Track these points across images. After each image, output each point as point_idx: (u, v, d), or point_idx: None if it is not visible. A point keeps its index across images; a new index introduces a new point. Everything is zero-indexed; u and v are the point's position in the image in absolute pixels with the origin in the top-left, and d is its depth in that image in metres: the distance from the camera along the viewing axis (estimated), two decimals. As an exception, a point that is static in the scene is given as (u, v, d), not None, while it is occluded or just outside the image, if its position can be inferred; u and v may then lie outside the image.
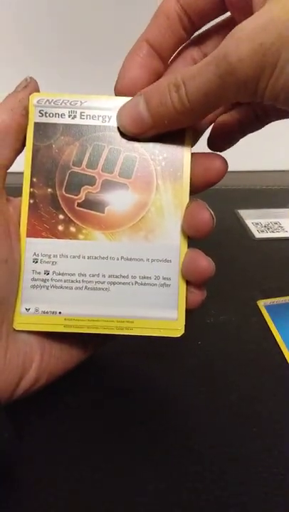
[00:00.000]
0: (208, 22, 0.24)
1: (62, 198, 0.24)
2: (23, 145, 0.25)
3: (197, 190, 0.25)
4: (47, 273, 0.24)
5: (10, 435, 0.22)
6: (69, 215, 0.24)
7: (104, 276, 0.24)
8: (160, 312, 0.25)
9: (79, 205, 0.24)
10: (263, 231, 0.48)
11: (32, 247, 0.24)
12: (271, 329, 0.34)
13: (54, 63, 0.55)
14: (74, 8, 0.55)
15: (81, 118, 0.24)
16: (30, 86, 0.24)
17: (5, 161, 0.24)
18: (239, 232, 0.48)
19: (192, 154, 0.25)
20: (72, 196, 0.24)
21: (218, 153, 0.24)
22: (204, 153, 0.25)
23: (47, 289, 0.24)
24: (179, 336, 0.25)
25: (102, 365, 0.30)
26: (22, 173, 0.25)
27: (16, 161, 0.25)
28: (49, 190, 0.24)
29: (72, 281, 0.24)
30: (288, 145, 0.65)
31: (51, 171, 0.24)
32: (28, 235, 0.24)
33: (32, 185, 0.24)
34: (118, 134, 0.24)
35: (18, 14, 0.55)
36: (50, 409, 0.27)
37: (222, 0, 0.23)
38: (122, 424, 0.26)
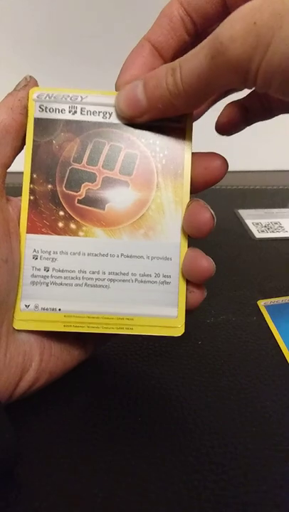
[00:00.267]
0: (212, 25, 0.24)
1: (63, 194, 0.24)
2: (23, 144, 0.25)
3: (197, 189, 0.25)
4: (47, 270, 0.24)
5: (10, 435, 0.22)
6: (69, 211, 0.24)
7: (104, 273, 0.24)
8: (160, 310, 0.25)
9: (79, 201, 0.24)
10: (263, 231, 0.48)
11: (32, 243, 0.24)
12: (271, 329, 0.34)
13: (53, 65, 0.55)
14: (73, 10, 0.55)
15: (82, 114, 0.24)
16: (30, 85, 0.24)
17: (5, 159, 0.24)
18: (239, 232, 0.48)
19: (192, 154, 0.25)
20: (73, 193, 0.24)
21: (218, 152, 0.24)
22: (204, 152, 0.25)
23: (47, 285, 0.24)
24: (179, 335, 0.25)
25: (102, 365, 0.30)
26: (22, 173, 0.25)
27: (15, 161, 0.25)
28: (49, 186, 0.24)
29: (72, 278, 0.24)
30: (288, 145, 0.65)
31: (51, 168, 0.24)
32: (28, 232, 0.24)
33: (32, 181, 0.24)
34: (119, 130, 0.24)
35: (16, 15, 0.55)
36: (50, 409, 0.27)
37: (225, 3, 0.23)
38: (122, 424, 0.26)
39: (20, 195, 0.25)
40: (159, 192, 0.25)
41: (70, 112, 0.24)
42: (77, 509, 0.22)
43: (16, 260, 0.24)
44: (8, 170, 0.24)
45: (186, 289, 0.25)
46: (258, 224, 0.49)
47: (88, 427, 0.26)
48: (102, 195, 0.24)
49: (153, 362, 0.31)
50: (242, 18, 0.18)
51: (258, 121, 0.27)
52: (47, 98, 0.24)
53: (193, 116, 0.25)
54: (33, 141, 0.24)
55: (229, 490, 0.23)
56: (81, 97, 0.24)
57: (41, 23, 0.55)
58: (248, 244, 0.46)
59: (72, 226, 0.24)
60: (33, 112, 0.24)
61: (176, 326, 0.25)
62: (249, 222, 0.50)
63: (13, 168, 0.25)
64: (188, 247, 0.25)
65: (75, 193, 0.24)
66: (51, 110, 0.24)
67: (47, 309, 0.25)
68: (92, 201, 0.25)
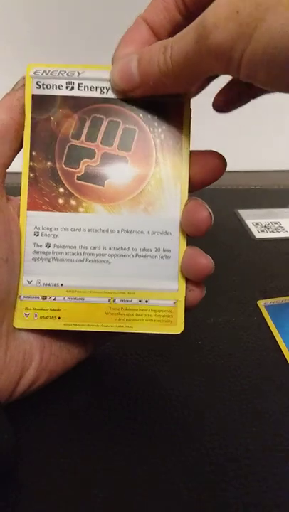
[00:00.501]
0: (204, 6, 0.24)
1: (62, 171, 0.24)
2: (22, 143, 0.24)
3: (196, 187, 0.25)
4: (48, 246, 0.24)
5: (9, 436, 0.22)
6: (69, 188, 0.24)
7: (104, 248, 0.25)
8: (161, 283, 0.25)
9: (79, 178, 0.25)
10: (263, 231, 0.48)
11: (33, 220, 0.25)
12: (271, 329, 0.34)
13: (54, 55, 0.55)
14: (72, 9, 0.55)
15: (79, 89, 0.24)
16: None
17: (4, 159, 0.24)
18: (239, 232, 0.48)
19: (191, 152, 0.25)
20: (72, 169, 0.24)
21: (216, 151, 0.24)
22: (202, 150, 0.25)
23: (48, 261, 0.25)
24: (178, 332, 0.25)
25: (102, 364, 0.30)
26: (21, 173, 0.25)
27: (14, 161, 0.25)
28: (49, 163, 0.24)
29: (73, 254, 0.25)
30: (288, 145, 0.65)
31: (50, 145, 0.24)
32: (29, 209, 0.25)
33: (31, 158, 0.24)
34: (117, 105, 0.24)
35: (15, 15, 0.55)
36: (49, 408, 0.27)
37: None
38: (122, 424, 0.26)
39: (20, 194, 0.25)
40: (158, 167, 0.25)
41: (67, 87, 0.24)
42: (77, 509, 0.22)
43: (16, 259, 0.24)
44: (8, 170, 0.24)
45: (186, 287, 0.25)
46: (258, 224, 0.49)
47: (88, 427, 0.26)
48: (101, 171, 0.24)
49: (153, 362, 0.31)
50: (226, 5, 0.18)
51: (264, 94, 0.26)
52: (44, 74, 0.24)
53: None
54: (32, 118, 0.24)
55: (229, 491, 0.23)
56: (78, 72, 0.24)
57: (39, 22, 0.55)
58: (248, 244, 0.46)
59: (72, 202, 0.25)
60: (31, 89, 0.24)
61: (177, 299, 0.25)
62: (249, 222, 0.50)
63: (13, 168, 0.25)
64: (188, 245, 0.25)
65: (74, 170, 0.24)
66: (48, 86, 0.24)
67: (49, 285, 0.25)
68: (91, 177, 0.25)
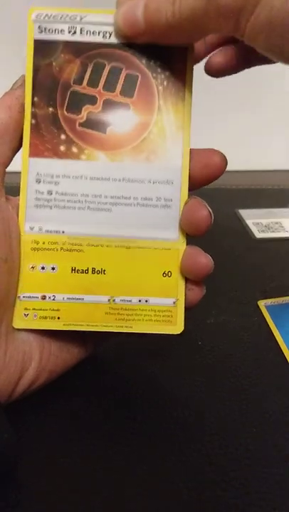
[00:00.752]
0: None
1: (64, 117, 0.24)
2: (21, 143, 0.24)
3: (196, 186, 0.25)
4: (50, 193, 0.24)
5: (9, 436, 0.22)
6: (70, 135, 0.24)
7: (106, 197, 0.25)
8: (161, 233, 0.25)
9: (80, 125, 0.24)
10: (263, 231, 0.48)
11: (35, 167, 0.25)
12: (271, 329, 0.34)
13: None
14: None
15: (81, 34, 0.24)
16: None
17: (4, 159, 0.24)
18: (239, 232, 0.48)
19: (191, 150, 0.25)
20: (74, 116, 0.24)
21: (217, 149, 0.24)
22: (203, 149, 0.25)
23: (50, 208, 0.25)
24: (178, 332, 0.25)
25: (102, 364, 0.30)
26: (20, 173, 0.25)
27: (14, 161, 0.25)
28: (50, 109, 0.24)
29: (74, 202, 0.25)
30: (288, 145, 0.65)
31: (52, 90, 0.24)
32: (31, 155, 0.24)
33: (33, 104, 0.24)
34: (119, 50, 0.24)
35: (15, 14, 0.55)
36: (49, 408, 0.27)
37: None
38: (122, 424, 0.26)
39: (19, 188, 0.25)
40: (160, 115, 0.24)
41: (69, 32, 0.24)
42: (77, 509, 0.22)
43: (16, 259, 0.24)
44: (8, 169, 0.24)
45: (185, 287, 0.25)
46: (258, 224, 0.49)
47: (88, 426, 0.26)
48: (103, 118, 0.24)
49: (153, 362, 0.31)
50: None
51: (260, 64, 0.26)
52: (46, 18, 0.24)
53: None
54: (33, 63, 0.24)
55: (230, 491, 0.23)
56: (80, 16, 0.24)
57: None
58: (249, 244, 0.46)
59: (74, 149, 0.24)
60: (33, 34, 0.24)
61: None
62: (249, 222, 0.50)
63: (13, 167, 0.25)
64: (188, 245, 0.25)
65: (76, 116, 0.24)
66: (50, 31, 0.24)
67: (51, 231, 0.25)
68: (93, 124, 0.24)
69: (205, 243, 0.25)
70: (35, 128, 0.24)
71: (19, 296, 0.25)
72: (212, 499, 0.23)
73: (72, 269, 0.25)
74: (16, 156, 0.25)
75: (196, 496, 0.23)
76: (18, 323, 0.25)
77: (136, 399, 0.28)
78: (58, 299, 0.25)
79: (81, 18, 0.24)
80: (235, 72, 0.27)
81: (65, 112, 0.24)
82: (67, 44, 0.24)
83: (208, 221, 0.24)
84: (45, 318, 0.25)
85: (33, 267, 0.25)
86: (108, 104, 0.24)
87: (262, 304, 0.37)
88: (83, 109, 0.24)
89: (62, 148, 0.24)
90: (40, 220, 0.25)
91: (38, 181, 0.25)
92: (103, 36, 0.24)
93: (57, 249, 0.25)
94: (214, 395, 0.28)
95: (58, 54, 0.24)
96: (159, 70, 0.24)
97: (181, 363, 0.31)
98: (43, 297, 0.25)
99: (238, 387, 0.29)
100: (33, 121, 0.24)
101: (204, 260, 0.24)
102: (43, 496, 0.23)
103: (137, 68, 0.24)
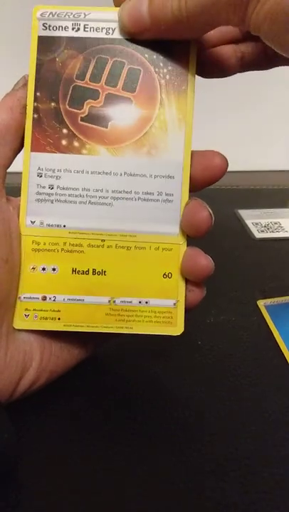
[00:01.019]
0: None
1: (66, 112, 0.24)
2: (22, 144, 0.24)
3: (197, 188, 0.25)
4: (51, 187, 0.25)
5: (10, 435, 0.22)
6: (72, 129, 0.24)
7: (107, 191, 0.25)
8: (162, 227, 0.25)
9: (82, 119, 0.24)
10: (263, 231, 0.48)
11: (36, 161, 0.25)
12: (271, 329, 0.34)
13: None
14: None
15: (85, 30, 0.24)
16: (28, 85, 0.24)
17: (4, 160, 0.24)
18: (239, 232, 0.48)
19: (192, 152, 0.25)
20: (76, 110, 0.24)
21: (217, 151, 0.24)
22: (203, 151, 0.25)
23: (52, 202, 0.25)
24: (178, 334, 0.25)
25: (102, 364, 0.30)
26: (21, 173, 0.25)
27: (15, 161, 0.25)
28: (52, 104, 0.24)
29: (76, 196, 0.25)
30: (288, 145, 0.65)
31: (55, 85, 0.24)
32: (33, 150, 0.25)
33: (36, 99, 0.24)
34: (122, 46, 0.24)
35: (16, 15, 0.55)
36: (50, 409, 0.27)
37: None
38: (122, 424, 0.26)
39: (20, 195, 0.25)
40: (162, 109, 0.24)
41: (73, 29, 0.24)
42: (77, 509, 0.22)
43: (17, 260, 0.24)
44: (8, 170, 0.24)
45: (186, 288, 0.25)
46: (257, 224, 0.49)
47: (88, 427, 0.26)
48: (105, 112, 0.24)
49: (153, 362, 0.31)
50: None
51: (254, 69, 0.26)
52: (50, 16, 0.24)
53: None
54: (37, 59, 0.24)
55: (230, 490, 0.23)
56: (84, 13, 0.24)
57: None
58: (248, 244, 0.46)
59: (76, 144, 0.24)
60: (37, 31, 0.24)
61: (178, 246, 0.25)
62: (249, 222, 0.50)
63: (13, 168, 0.25)
64: (188, 246, 0.25)
65: (78, 111, 0.24)
66: (54, 28, 0.24)
67: (52, 225, 0.25)
68: (95, 119, 0.24)
69: (205, 243, 0.25)
70: (37, 122, 0.24)
71: (20, 297, 0.25)
72: (212, 499, 0.23)
73: (72, 270, 0.25)
74: (16, 157, 0.25)
75: (196, 496, 0.23)
76: (19, 323, 0.25)
77: (136, 399, 0.28)
78: (58, 299, 0.25)
79: (85, 16, 0.24)
80: (236, 73, 0.27)
81: (67, 107, 0.24)
82: (71, 40, 0.24)
83: (209, 222, 0.24)
84: (46, 318, 0.25)
85: (33, 268, 0.25)
86: (110, 99, 0.24)
87: (261, 303, 0.37)
88: (85, 103, 0.24)
89: (63, 142, 0.24)
90: (41, 214, 0.25)
91: (40, 175, 0.25)
92: (106, 32, 0.24)
93: (58, 250, 0.25)
94: (214, 395, 0.28)
95: (62, 50, 0.24)
96: (161, 64, 0.24)
97: (180, 363, 0.31)
98: (44, 298, 0.25)
99: (238, 386, 0.29)
100: (35, 116, 0.24)
101: (205, 261, 0.24)
102: (43, 495, 0.23)
103: (139, 63, 0.24)
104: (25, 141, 0.24)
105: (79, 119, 0.24)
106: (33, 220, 0.25)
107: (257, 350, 0.32)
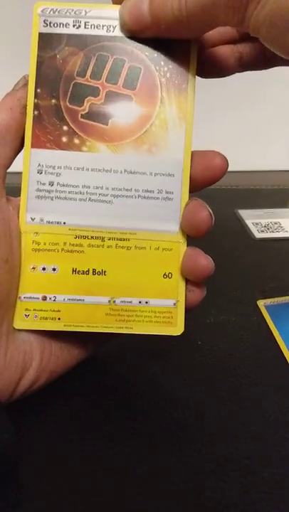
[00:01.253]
0: None
1: (66, 109, 0.24)
2: (22, 144, 0.24)
3: (197, 188, 0.25)
4: (51, 184, 0.25)
5: (10, 435, 0.22)
6: (73, 126, 0.24)
7: (107, 188, 0.25)
8: (162, 225, 0.25)
9: (82, 116, 0.24)
10: (263, 231, 0.48)
11: (37, 158, 0.25)
12: (271, 329, 0.34)
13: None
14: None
15: (85, 28, 0.24)
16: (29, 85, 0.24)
17: (4, 160, 0.24)
18: (239, 232, 0.48)
19: (192, 152, 0.25)
20: (76, 107, 0.24)
21: (217, 151, 0.24)
22: (204, 151, 0.25)
23: (52, 199, 0.25)
24: (178, 334, 0.25)
25: (102, 364, 0.30)
26: (21, 173, 0.25)
27: (15, 161, 0.25)
28: (53, 101, 0.24)
29: (76, 193, 0.25)
30: (288, 145, 0.65)
31: (55, 82, 0.24)
32: (33, 146, 0.25)
33: (36, 96, 0.24)
34: (123, 43, 0.24)
35: (17, 15, 0.55)
36: (50, 409, 0.27)
37: None
38: (122, 424, 0.26)
39: (20, 194, 0.25)
40: (162, 107, 0.24)
41: (74, 26, 0.24)
42: (77, 509, 0.22)
43: (17, 260, 0.24)
44: (8, 170, 0.24)
45: (186, 288, 0.25)
46: (257, 224, 0.49)
47: (88, 427, 0.26)
48: (105, 109, 0.24)
49: (153, 362, 0.31)
50: None
51: (253, 69, 0.26)
52: (51, 13, 0.24)
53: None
54: (38, 56, 0.24)
55: (230, 490, 0.23)
56: (85, 11, 0.24)
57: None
58: (248, 244, 0.46)
59: (76, 141, 0.24)
60: (38, 27, 0.24)
61: (177, 243, 0.25)
62: (249, 222, 0.50)
63: (13, 168, 0.25)
64: (188, 246, 0.25)
65: (78, 108, 0.24)
66: (55, 25, 0.24)
67: (52, 222, 0.25)
68: (95, 116, 0.24)
69: (204, 243, 0.25)
70: (37, 119, 0.24)
71: (20, 297, 0.25)
72: (212, 499, 0.23)
73: (73, 270, 0.25)
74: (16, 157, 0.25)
75: (196, 496, 0.23)
76: (19, 323, 0.25)
77: (136, 399, 0.28)
78: (58, 299, 0.25)
79: (86, 13, 0.24)
80: (234, 73, 0.27)
81: (68, 104, 0.24)
82: (72, 37, 0.24)
83: (209, 222, 0.24)
84: (46, 318, 0.25)
85: (34, 268, 0.25)
86: (110, 96, 0.24)
87: (261, 303, 0.37)
88: (86, 100, 0.24)
89: (64, 139, 0.24)
90: (41, 211, 0.25)
91: (40, 172, 0.25)
92: (107, 30, 0.24)
93: (58, 250, 0.25)
94: (214, 395, 0.29)
95: (62, 47, 0.24)
96: (162, 62, 0.24)
97: (180, 363, 0.31)
98: (44, 298, 0.25)
99: (238, 386, 0.29)
100: (36, 113, 0.24)
101: (205, 262, 0.24)
102: (43, 495, 0.23)
103: (139, 61, 0.24)
104: (25, 138, 0.24)
105: (79, 116, 0.24)
106: (33, 217, 0.25)
107: (257, 350, 0.32)
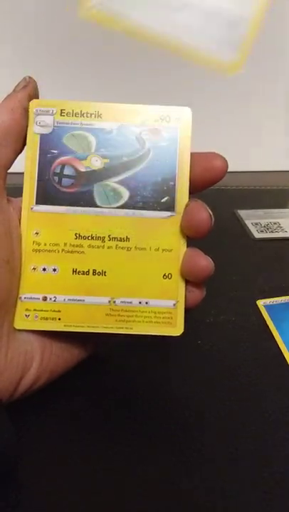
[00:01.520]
0: None
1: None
2: (24, 145, 0.25)
3: (197, 189, 0.25)
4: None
5: (10, 435, 0.22)
6: None
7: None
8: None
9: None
10: (262, 231, 0.48)
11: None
12: (271, 329, 0.34)
13: (53, 66, 0.55)
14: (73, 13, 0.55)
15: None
16: (30, 86, 0.24)
17: (5, 161, 0.24)
18: (239, 232, 0.48)
19: (192, 154, 0.25)
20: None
21: (218, 152, 0.24)
22: (204, 152, 0.25)
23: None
24: (178, 334, 0.25)
25: (102, 364, 0.30)
26: (22, 173, 0.25)
27: (15, 161, 0.25)
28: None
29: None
30: (288, 145, 0.65)
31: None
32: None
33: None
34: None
35: (18, 17, 0.55)
36: (50, 409, 0.27)
37: None
38: (122, 424, 0.26)
39: (21, 195, 0.25)
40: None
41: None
42: (77, 509, 0.22)
43: (17, 260, 0.24)
44: (9, 170, 0.24)
45: (186, 288, 0.25)
46: (257, 224, 0.49)
47: (88, 427, 0.26)
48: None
49: (153, 362, 0.31)
50: None
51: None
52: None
53: None
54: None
55: (230, 490, 0.23)
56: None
57: (42, 25, 0.55)
58: (248, 244, 0.46)
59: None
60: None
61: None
62: (249, 222, 0.50)
63: (14, 168, 0.25)
64: (188, 246, 0.25)
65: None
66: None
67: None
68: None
69: (204, 243, 0.25)
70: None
71: (20, 297, 0.25)
72: (212, 499, 0.23)
73: (73, 271, 0.25)
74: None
75: (196, 496, 0.23)
76: (19, 323, 0.25)
77: (136, 399, 0.28)
78: (58, 300, 0.25)
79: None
80: None
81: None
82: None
83: (209, 224, 0.24)
84: (46, 319, 0.25)
85: (34, 268, 0.25)
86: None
87: (261, 303, 0.37)
88: None
89: None
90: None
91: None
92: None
93: (58, 251, 0.25)
94: (214, 395, 0.29)
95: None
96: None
97: (180, 363, 0.31)
98: (44, 298, 0.25)
99: (238, 386, 0.29)
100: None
101: (204, 262, 0.24)
102: (43, 495, 0.23)
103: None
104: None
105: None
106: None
107: (256, 350, 0.32)
